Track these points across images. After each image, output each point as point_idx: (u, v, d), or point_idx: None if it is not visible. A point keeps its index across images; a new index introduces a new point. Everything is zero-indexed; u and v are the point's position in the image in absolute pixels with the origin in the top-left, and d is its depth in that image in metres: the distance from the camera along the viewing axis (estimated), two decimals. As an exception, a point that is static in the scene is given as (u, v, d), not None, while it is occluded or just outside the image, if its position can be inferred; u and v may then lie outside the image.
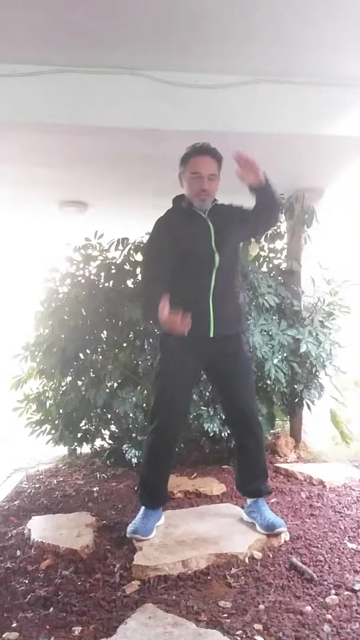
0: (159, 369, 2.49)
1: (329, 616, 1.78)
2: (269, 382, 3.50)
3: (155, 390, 2.49)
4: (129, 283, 3.69)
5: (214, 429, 3.32)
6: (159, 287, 2.33)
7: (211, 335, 2.37)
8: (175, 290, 2.34)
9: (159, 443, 2.45)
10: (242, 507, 2.64)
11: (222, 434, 3.35)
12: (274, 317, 3.65)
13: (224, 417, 3.00)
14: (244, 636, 1.67)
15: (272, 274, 3.96)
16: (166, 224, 2.51)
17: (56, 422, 3.68)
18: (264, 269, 4.00)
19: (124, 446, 3.46)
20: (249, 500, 2.50)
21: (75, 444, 3.77)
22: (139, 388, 3.47)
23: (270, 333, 3.48)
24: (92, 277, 3.68)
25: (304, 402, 3.74)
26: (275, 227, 4.00)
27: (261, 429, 2.56)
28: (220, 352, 2.43)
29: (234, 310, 2.45)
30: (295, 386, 3.65)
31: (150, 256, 2.55)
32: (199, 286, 2.39)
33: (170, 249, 2.42)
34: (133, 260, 3.71)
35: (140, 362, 3.52)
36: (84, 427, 3.73)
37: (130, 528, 2.39)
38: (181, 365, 2.41)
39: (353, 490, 3.06)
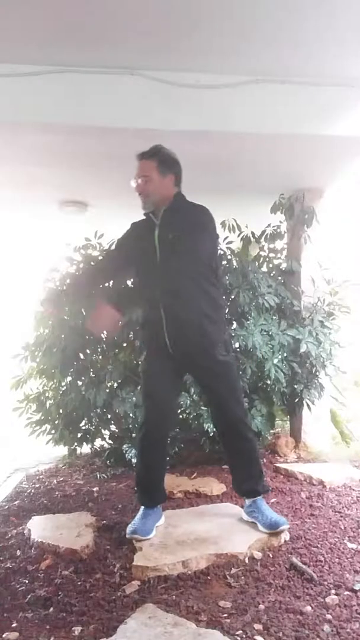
0: (142, 368, 2.59)
1: (329, 616, 1.77)
2: (269, 382, 3.50)
3: (141, 388, 2.58)
4: (129, 283, 3.68)
5: (214, 429, 3.31)
6: (91, 274, 2.59)
7: (170, 351, 2.38)
8: (141, 301, 2.50)
9: (145, 440, 2.48)
10: (242, 507, 2.64)
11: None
12: (274, 317, 3.65)
13: (212, 423, 2.99)
14: (244, 636, 1.67)
15: (272, 274, 3.97)
16: (133, 226, 2.57)
17: (56, 422, 3.68)
18: (264, 269, 4.00)
19: (124, 446, 3.46)
20: (247, 501, 2.50)
21: (75, 444, 3.77)
22: (139, 388, 3.47)
23: (270, 333, 3.48)
24: (92, 277, 3.68)
25: (304, 402, 3.74)
26: (275, 227, 4.01)
27: (251, 431, 2.57)
28: (191, 364, 2.45)
29: (197, 326, 2.33)
30: (295, 386, 3.65)
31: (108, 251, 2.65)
32: (151, 301, 2.40)
33: (124, 255, 2.55)
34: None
35: (140, 362, 3.51)
36: (84, 427, 3.73)
37: (129, 528, 2.39)
38: (159, 365, 2.46)
39: (353, 490, 3.06)
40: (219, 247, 3.24)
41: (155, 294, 2.37)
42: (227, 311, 3.44)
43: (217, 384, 2.44)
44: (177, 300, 2.33)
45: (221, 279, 3.08)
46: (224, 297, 3.22)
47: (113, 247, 2.62)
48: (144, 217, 2.51)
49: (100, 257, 3.48)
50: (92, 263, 3.51)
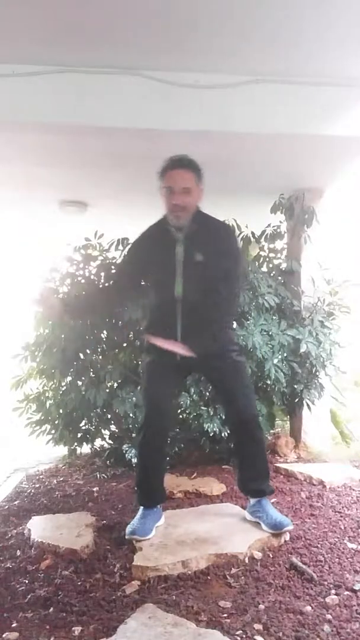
0: (143, 369, 2.57)
1: (329, 616, 1.77)
2: (269, 382, 3.50)
3: (142, 390, 2.57)
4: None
5: (214, 429, 3.32)
6: (108, 290, 2.55)
7: (177, 359, 2.32)
8: (151, 312, 2.49)
9: (145, 441, 2.47)
10: (243, 507, 2.65)
11: (222, 434, 3.35)
12: (274, 317, 3.65)
13: (224, 418, 3.00)
14: (244, 636, 1.67)
15: (272, 274, 3.96)
16: (142, 241, 2.48)
17: (56, 422, 3.68)
18: (264, 269, 4.00)
19: (124, 446, 3.46)
20: (252, 500, 2.50)
21: (75, 444, 3.77)
22: (139, 388, 3.47)
23: (270, 333, 3.48)
24: (92, 277, 3.68)
25: (304, 402, 3.74)
26: (275, 227, 4.01)
27: (261, 431, 2.56)
28: (200, 364, 2.43)
29: (208, 337, 2.35)
30: (295, 386, 3.65)
31: (119, 263, 2.58)
32: (166, 315, 2.36)
33: (140, 269, 2.47)
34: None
35: (140, 362, 3.51)
36: (84, 427, 3.72)
37: (128, 529, 2.39)
38: (163, 366, 2.43)
39: (353, 490, 3.06)
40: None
41: (171, 309, 2.33)
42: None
43: (231, 382, 2.45)
44: (197, 316, 2.31)
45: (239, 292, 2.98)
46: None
47: (126, 259, 2.50)
48: (156, 226, 2.43)
49: (113, 271, 3.42)
50: (105, 281, 3.49)
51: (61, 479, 3.55)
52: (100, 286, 2.81)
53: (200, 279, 2.31)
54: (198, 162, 2.34)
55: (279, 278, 3.95)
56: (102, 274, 3.69)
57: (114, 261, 3.70)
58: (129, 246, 2.55)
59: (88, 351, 3.66)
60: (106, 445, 3.88)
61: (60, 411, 3.64)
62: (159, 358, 2.42)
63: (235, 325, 3.55)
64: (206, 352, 2.33)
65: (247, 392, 2.51)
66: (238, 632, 1.68)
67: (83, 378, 3.58)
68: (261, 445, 2.54)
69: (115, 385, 3.57)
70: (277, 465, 3.51)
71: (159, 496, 2.54)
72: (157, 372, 2.47)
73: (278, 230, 4.01)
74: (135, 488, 2.67)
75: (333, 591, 1.94)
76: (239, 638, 1.66)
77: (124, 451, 3.43)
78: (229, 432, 3.11)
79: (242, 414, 2.46)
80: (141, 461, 2.54)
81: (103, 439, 3.87)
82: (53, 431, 3.69)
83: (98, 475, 3.47)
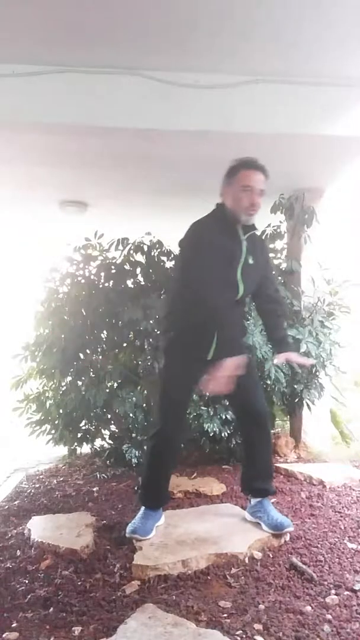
0: (164, 374, 2.51)
1: (329, 616, 1.78)
2: (269, 382, 3.50)
3: (161, 394, 2.47)
4: (129, 283, 3.69)
5: (214, 429, 3.32)
6: (223, 295, 2.26)
7: (209, 358, 2.28)
8: (191, 305, 2.26)
9: (164, 446, 2.43)
10: (243, 507, 2.65)
11: (222, 434, 3.35)
12: (274, 317, 3.64)
13: (235, 418, 2.95)
14: (244, 636, 1.67)
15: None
16: (208, 230, 2.33)
17: (56, 422, 3.68)
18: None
19: (124, 446, 3.46)
20: (253, 500, 2.50)
21: (75, 444, 3.77)
22: (139, 388, 3.47)
23: (270, 333, 3.47)
24: (92, 277, 3.69)
25: (304, 402, 3.74)
26: (275, 227, 4.02)
27: (270, 430, 2.59)
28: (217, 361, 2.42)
29: (238, 336, 2.46)
30: (295, 386, 3.65)
31: (198, 259, 2.28)
32: (222, 308, 2.26)
33: (214, 255, 2.29)
34: (133, 260, 3.71)
35: (140, 362, 3.52)
36: (84, 427, 3.73)
37: (129, 528, 2.39)
38: (186, 371, 2.37)
39: (353, 490, 3.06)
40: None
41: (223, 297, 2.27)
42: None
43: (245, 380, 2.37)
44: (239, 315, 2.45)
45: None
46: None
47: (202, 260, 2.27)
48: (216, 220, 2.34)
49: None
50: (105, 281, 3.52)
51: (61, 479, 3.55)
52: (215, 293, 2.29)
53: (253, 280, 2.38)
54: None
55: (279, 278, 3.95)
56: (102, 274, 3.69)
57: (114, 261, 3.70)
58: (192, 246, 2.32)
59: (88, 351, 3.66)
60: (106, 445, 3.88)
61: (60, 411, 3.64)
62: (181, 362, 2.36)
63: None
64: (229, 354, 2.24)
65: (260, 388, 2.57)
66: (238, 632, 1.68)
67: (83, 378, 3.58)
68: (270, 443, 2.57)
69: (115, 385, 3.57)
70: (277, 465, 3.51)
71: (164, 498, 2.54)
72: (179, 379, 2.39)
73: (278, 230, 4.01)
74: (136, 488, 2.67)
75: (333, 591, 1.94)
76: (239, 638, 1.66)
77: (124, 451, 3.43)
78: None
79: (259, 409, 2.47)
80: (153, 464, 2.48)
81: (103, 439, 3.87)
82: (53, 431, 3.70)
83: (98, 475, 3.47)
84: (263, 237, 3.97)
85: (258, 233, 2.51)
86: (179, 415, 2.47)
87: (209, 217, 2.38)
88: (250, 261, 2.33)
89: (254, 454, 2.52)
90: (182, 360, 2.36)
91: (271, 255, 4.07)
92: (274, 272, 3.85)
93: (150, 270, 3.65)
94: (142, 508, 2.48)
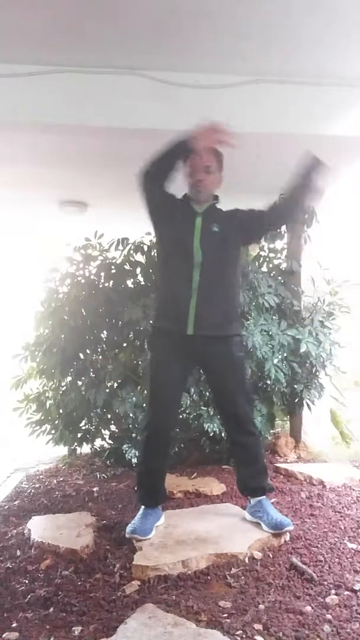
0: (149, 368, 2.58)
1: (329, 616, 1.77)
2: (269, 382, 3.50)
3: (149, 387, 2.56)
4: (129, 283, 3.69)
5: (214, 429, 3.32)
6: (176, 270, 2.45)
7: (189, 332, 2.35)
8: (161, 281, 2.50)
9: (155, 438, 2.48)
10: (242, 507, 2.65)
11: (222, 434, 3.35)
12: (274, 317, 3.65)
13: (221, 420, 3.00)
14: (244, 636, 1.67)
15: (272, 274, 3.96)
16: (173, 200, 2.50)
17: (56, 422, 3.68)
18: (264, 269, 4.00)
19: (124, 446, 3.46)
20: (252, 500, 2.50)
21: (75, 444, 3.77)
22: (139, 388, 3.47)
23: (270, 333, 3.48)
24: (92, 277, 3.68)
25: (304, 402, 3.74)
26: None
27: (256, 428, 2.58)
28: (205, 353, 2.43)
29: (221, 313, 2.42)
30: (295, 386, 3.65)
31: (157, 238, 2.64)
32: (181, 281, 2.40)
33: (163, 218, 2.48)
34: (133, 260, 3.71)
35: (140, 362, 3.52)
36: (84, 427, 3.73)
37: (128, 528, 2.39)
38: (168, 364, 2.44)
39: (353, 490, 3.06)
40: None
41: (187, 274, 2.37)
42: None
43: (228, 376, 2.46)
44: (212, 284, 2.38)
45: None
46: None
47: (161, 243, 2.60)
48: (180, 199, 2.50)
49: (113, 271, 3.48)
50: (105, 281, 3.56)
51: (61, 479, 3.55)
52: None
53: (218, 248, 2.41)
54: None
55: (279, 278, 3.95)
56: (102, 274, 3.69)
57: (114, 261, 3.70)
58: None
59: (88, 351, 3.66)
60: (106, 445, 3.88)
61: (60, 411, 3.64)
62: (163, 351, 2.45)
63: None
64: (213, 332, 2.37)
65: (245, 390, 2.54)
66: (238, 632, 1.68)
67: (83, 378, 3.58)
68: (258, 442, 2.56)
69: (115, 385, 3.57)
70: (277, 465, 3.52)
71: (160, 496, 2.55)
72: (163, 369, 2.47)
73: (278, 230, 4.01)
74: (136, 488, 2.67)
75: (333, 591, 1.94)
76: (239, 638, 1.66)
77: (124, 451, 3.43)
78: (225, 431, 3.10)
79: (238, 412, 2.47)
80: (144, 460, 2.54)
81: (103, 439, 3.87)
82: (53, 431, 3.70)
83: (98, 475, 3.47)
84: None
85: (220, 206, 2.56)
86: (168, 406, 2.49)
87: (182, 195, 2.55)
88: (215, 229, 2.42)
89: (243, 455, 2.55)
90: (164, 347, 2.47)
91: (271, 255, 4.09)
92: (263, 269, 3.92)
93: (150, 270, 3.65)
94: (141, 508, 2.49)
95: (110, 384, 3.57)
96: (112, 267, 3.66)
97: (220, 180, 2.54)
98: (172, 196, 2.49)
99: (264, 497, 2.49)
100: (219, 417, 3.30)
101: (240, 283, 2.68)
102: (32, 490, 3.33)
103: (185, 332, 2.36)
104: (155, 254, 2.74)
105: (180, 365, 2.47)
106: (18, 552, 2.37)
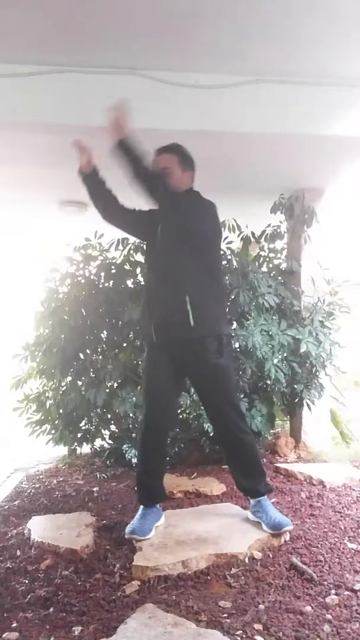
0: (144, 365, 2.64)
1: (329, 616, 1.77)
2: (269, 382, 3.50)
3: (143, 385, 2.62)
4: (129, 283, 3.69)
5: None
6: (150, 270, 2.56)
7: (154, 339, 2.42)
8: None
9: (147, 440, 2.50)
10: (243, 507, 2.65)
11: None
12: (274, 317, 3.65)
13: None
14: (244, 636, 1.66)
15: (272, 274, 3.96)
16: (141, 214, 2.59)
17: (56, 422, 3.68)
18: (264, 269, 4.00)
19: (124, 446, 3.46)
20: (252, 501, 2.50)
21: (75, 444, 3.77)
22: (139, 388, 3.47)
23: (270, 333, 3.48)
24: (92, 277, 3.68)
25: (304, 402, 3.74)
26: (275, 227, 4.01)
27: (247, 434, 2.48)
28: (183, 356, 2.41)
29: (181, 315, 2.30)
30: (295, 386, 3.65)
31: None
32: (151, 287, 2.49)
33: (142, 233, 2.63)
34: (133, 260, 3.71)
35: (140, 362, 3.51)
36: (84, 427, 3.73)
37: (128, 528, 2.39)
38: (156, 366, 2.48)
39: (353, 490, 3.06)
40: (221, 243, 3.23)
41: (154, 279, 2.46)
42: (227, 310, 3.41)
43: (209, 388, 2.44)
44: (168, 288, 2.38)
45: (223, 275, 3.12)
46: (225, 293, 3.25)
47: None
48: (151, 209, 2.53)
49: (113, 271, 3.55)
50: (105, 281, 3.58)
51: (61, 479, 3.55)
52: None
53: (168, 253, 2.39)
54: (187, 150, 2.52)
55: (279, 278, 3.95)
56: (102, 274, 3.69)
57: (114, 261, 3.70)
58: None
59: (88, 351, 3.66)
60: (106, 445, 3.88)
61: (60, 411, 3.64)
62: (153, 353, 2.49)
63: (235, 325, 3.56)
64: (183, 335, 2.33)
65: (230, 398, 2.44)
66: (238, 632, 1.68)
67: (83, 378, 3.58)
68: (250, 447, 2.49)
69: (115, 385, 3.57)
70: (277, 465, 3.52)
71: (158, 495, 2.54)
72: (156, 369, 2.48)
73: (278, 230, 4.01)
74: (135, 488, 2.67)
75: (333, 591, 1.94)
76: (239, 638, 1.65)
77: (124, 451, 3.43)
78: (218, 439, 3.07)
79: (223, 421, 2.46)
80: (141, 459, 2.56)
81: (103, 439, 3.87)
82: (53, 431, 3.70)
83: (98, 475, 3.47)
84: (259, 237, 3.98)
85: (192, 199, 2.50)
86: (161, 406, 2.49)
87: None
88: (173, 224, 2.39)
89: (236, 461, 2.54)
90: (150, 348, 2.51)
91: (271, 255, 4.09)
92: (263, 269, 3.93)
93: (150, 270, 3.65)
94: (140, 508, 2.49)
95: (110, 384, 3.57)
96: (112, 267, 3.66)
97: (188, 179, 2.52)
98: (137, 212, 2.59)
99: (263, 497, 2.49)
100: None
101: (220, 280, 2.62)
102: (32, 490, 3.33)
103: (153, 339, 2.43)
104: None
105: (170, 368, 2.46)
106: (18, 552, 2.37)
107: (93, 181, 2.64)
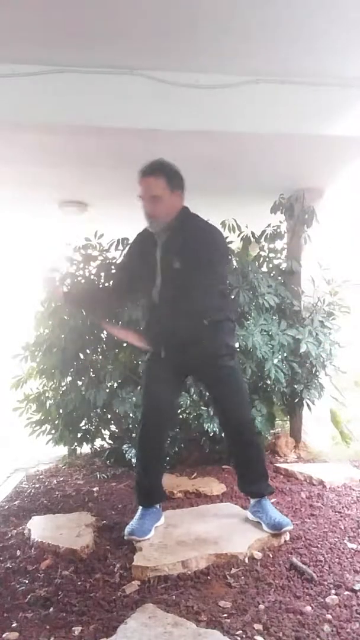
0: (143, 367, 2.62)
1: (329, 616, 1.77)
2: (269, 382, 3.50)
3: (142, 388, 2.59)
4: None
5: (214, 429, 3.32)
6: (107, 290, 2.57)
7: (162, 356, 2.40)
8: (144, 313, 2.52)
9: (143, 439, 2.50)
10: (243, 507, 2.65)
11: (222, 434, 3.34)
12: (274, 317, 3.65)
13: (220, 424, 2.99)
14: (244, 636, 1.66)
15: (272, 274, 3.96)
16: (138, 239, 2.55)
17: (56, 422, 3.68)
18: (264, 269, 4.00)
19: (124, 446, 3.46)
20: (252, 500, 2.51)
21: (75, 444, 3.77)
22: (139, 388, 3.47)
23: (270, 333, 3.48)
24: (92, 277, 3.68)
25: (304, 402, 3.74)
26: (275, 227, 4.01)
27: (255, 435, 2.56)
28: (193, 369, 2.47)
29: (193, 335, 2.28)
30: (295, 386, 3.65)
31: (119, 262, 2.63)
32: (151, 307, 2.46)
33: (132, 272, 2.54)
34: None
35: (140, 362, 3.51)
36: (84, 427, 3.73)
37: (127, 529, 2.39)
38: (158, 369, 2.45)
39: (353, 490, 3.06)
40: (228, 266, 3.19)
41: (154, 313, 2.41)
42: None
43: (221, 389, 2.46)
44: (179, 308, 2.28)
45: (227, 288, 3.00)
46: (230, 298, 3.24)
47: (120, 264, 2.61)
48: (144, 230, 2.49)
49: (113, 272, 3.45)
50: (105, 281, 3.55)
51: (61, 479, 3.55)
52: (101, 285, 2.88)
53: (177, 285, 2.29)
54: (174, 166, 2.33)
55: (279, 278, 3.95)
56: (102, 274, 3.68)
57: (114, 261, 3.70)
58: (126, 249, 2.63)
59: (88, 351, 3.66)
60: (106, 445, 3.88)
61: (60, 411, 3.64)
62: (153, 357, 2.47)
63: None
64: (196, 357, 2.34)
65: (239, 398, 2.47)
66: (238, 632, 1.68)
67: (83, 378, 3.58)
68: (257, 449, 2.54)
69: (115, 385, 3.57)
70: (277, 465, 3.51)
71: (157, 495, 2.54)
72: (156, 371, 2.48)
73: (278, 230, 4.01)
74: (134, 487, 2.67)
75: (333, 591, 1.94)
76: (239, 638, 1.65)
77: (124, 451, 3.43)
78: (225, 437, 3.07)
79: (234, 422, 2.47)
80: (139, 460, 2.55)
81: (103, 439, 3.87)
82: (53, 431, 3.70)
83: (98, 475, 3.47)
84: (259, 237, 3.97)
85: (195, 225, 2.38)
86: (159, 406, 2.48)
87: (145, 227, 2.49)
88: (175, 265, 2.28)
89: (242, 461, 2.54)
90: (151, 355, 2.49)
91: (271, 255, 4.09)
92: (263, 269, 3.92)
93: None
94: (140, 508, 2.48)
95: (110, 384, 3.56)
96: (112, 267, 3.66)
97: (178, 199, 2.36)
98: (133, 245, 2.59)
99: (263, 497, 2.49)
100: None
101: (227, 294, 2.68)
102: (32, 490, 3.33)
103: (161, 356, 2.40)
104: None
105: (172, 371, 2.45)
106: (18, 552, 2.37)
107: (74, 299, 2.83)
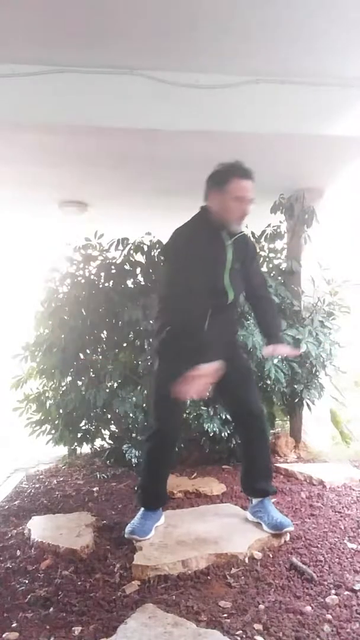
0: (157, 375, 2.42)
1: (329, 616, 1.77)
2: (269, 382, 3.50)
3: (156, 396, 2.42)
4: (129, 283, 3.69)
5: (214, 429, 3.32)
6: (201, 303, 2.22)
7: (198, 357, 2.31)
8: (176, 311, 2.27)
9: (161, 447, 2.43)
10: (243, 507, 2.65)
11: (222, 434, 3.35)
12: (274, 317, 3.64)
13: (231, 418, 2.94)
14: (244, 636, 1.67)
15: (272, 274, 3.97)
16: (192, 238, 2.30)
17: (56, 422, 3.68)
18: (264, 269, 4.00)
19: (124, 446, 3.46)
20: (254, 500, 2.50)
21: (75, 444, 3.77)
22: (139, 388, 3.47)
23: (270, 333, 3.47)
24: (92, 277, 3.68)
25: (304, 402, 3.74)
26: (275, 227, 4.01)
27: (268, 429, 2.60)
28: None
29: (228, 338, 2.47)
30: (295, 386, 3.65)
31: (181, 264, 2.27)
32: (205, 315, 2.26)
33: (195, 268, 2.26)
34: (133, 260, 3.71)
35: (140, 362, 3.52)
36: (84, 427, 3.73)
37: (128, 529, 2.39)
38: (178, 372, 2.23)
39: (353, 490, 3.06)
40: None
41: (209, 304, 2.26)
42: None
43: (243, 377, 2.48)
44: (231, 316, 2.49)
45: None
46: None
47: (181, 263, 2.27)
48: (202, 228, 2.32)
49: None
50: (105, 281, 3.52)
51: (61, 479, 3.55)
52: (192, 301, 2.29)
53: (241, 283, 2.40)
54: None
55: (279, 278, 3.95)
56: (102, 274, 3.69)
57: (114, 261, 3.70)
58: (177, 252, 2.32)
59: (88, 351, 3.66)
60: (106, 445, 3.88)
61: (60, 411, 3.64)
62: (177, 363, 2.19)
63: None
64: (231, 348, 2.46)
65: (254, 387, 2.57)
66: (238, 632, 1.68)
67: (83, 378, 3.59)
68: (267, 443, 2.58)
69: (115, 385, 3.57)
70: (277, 465, 3.51)
71: (163, 499, 2.54)
72: (175, 379, 2.20)
73: (278, 230, 4.01)
74: (136, 489, 2.67)
75: (333, 591, 1.94)
76: (239, 638, 1.66)
77: (124, 451, 3.42)
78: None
79: (252, 408, 2.46)
80: (151, 466, 2.48)
81: (103, 439, 3.87)
82: (53, 431, 3.70)
83: (98, 475, 3.47)
84: (259, 237, 3.98)
85: (247, 233, 2.55)
86: (175, 415, 2.45)
87: (192, 222, 2.37)
88: (237, 266, 2.35)
89: (252, 454, 2.52)
90: (174, 361, 2.27)
91: (271, 255, 4.09)
92: (263, 269, 3.88)
93: (150, 270, 3.65)
94: (141, 509, 2.48)
95: (110, 384, 3.57)
96: (112, 267, 3.66)
97: None
98: (191, 242, 2.28)
99: (267, 497, 2.49)
100: (219, 417, 3.32)
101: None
102: (32, 490, 3.33)
103: (194, 361, 2.16)
104: (164, 262, 2.62)
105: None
106: (18, 552, 2.37)
107: None
